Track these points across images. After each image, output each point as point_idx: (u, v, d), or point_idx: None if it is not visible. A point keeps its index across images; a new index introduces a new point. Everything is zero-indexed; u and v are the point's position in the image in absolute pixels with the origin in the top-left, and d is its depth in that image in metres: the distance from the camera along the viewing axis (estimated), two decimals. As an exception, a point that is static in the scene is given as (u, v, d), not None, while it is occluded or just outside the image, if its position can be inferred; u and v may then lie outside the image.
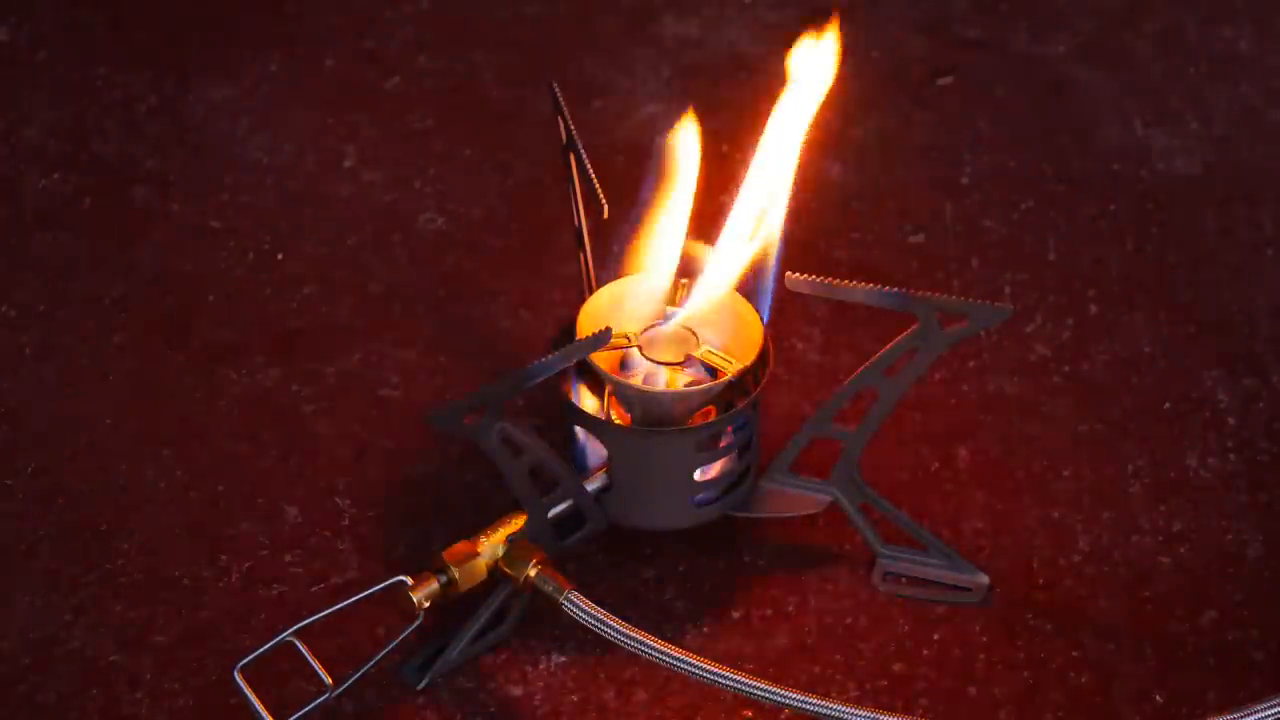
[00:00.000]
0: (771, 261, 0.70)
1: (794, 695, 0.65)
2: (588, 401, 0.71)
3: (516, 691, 0.68)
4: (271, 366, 0.79)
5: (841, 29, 0.82)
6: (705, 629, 0.70)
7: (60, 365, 0.79)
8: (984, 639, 0.70)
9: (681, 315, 0.70)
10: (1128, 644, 0.70)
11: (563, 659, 0.69)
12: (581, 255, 0.73)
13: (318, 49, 0.93)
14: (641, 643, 0.65)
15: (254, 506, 0.74)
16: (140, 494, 0.74)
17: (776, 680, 0.65)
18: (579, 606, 0.66)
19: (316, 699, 0.66)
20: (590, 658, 0.69)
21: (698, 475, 0.69)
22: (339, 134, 0.89)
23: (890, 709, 0.66)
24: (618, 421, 0.70)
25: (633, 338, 0.70)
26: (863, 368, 0.69)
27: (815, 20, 0.72)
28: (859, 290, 0.67)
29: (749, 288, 0.71)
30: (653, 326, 0.70)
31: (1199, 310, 0.81)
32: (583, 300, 0.71)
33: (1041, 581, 0.71)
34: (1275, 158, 0.89)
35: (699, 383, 0.69)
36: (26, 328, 0.80)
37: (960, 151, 0.89)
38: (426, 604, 0.67)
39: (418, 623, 0.67)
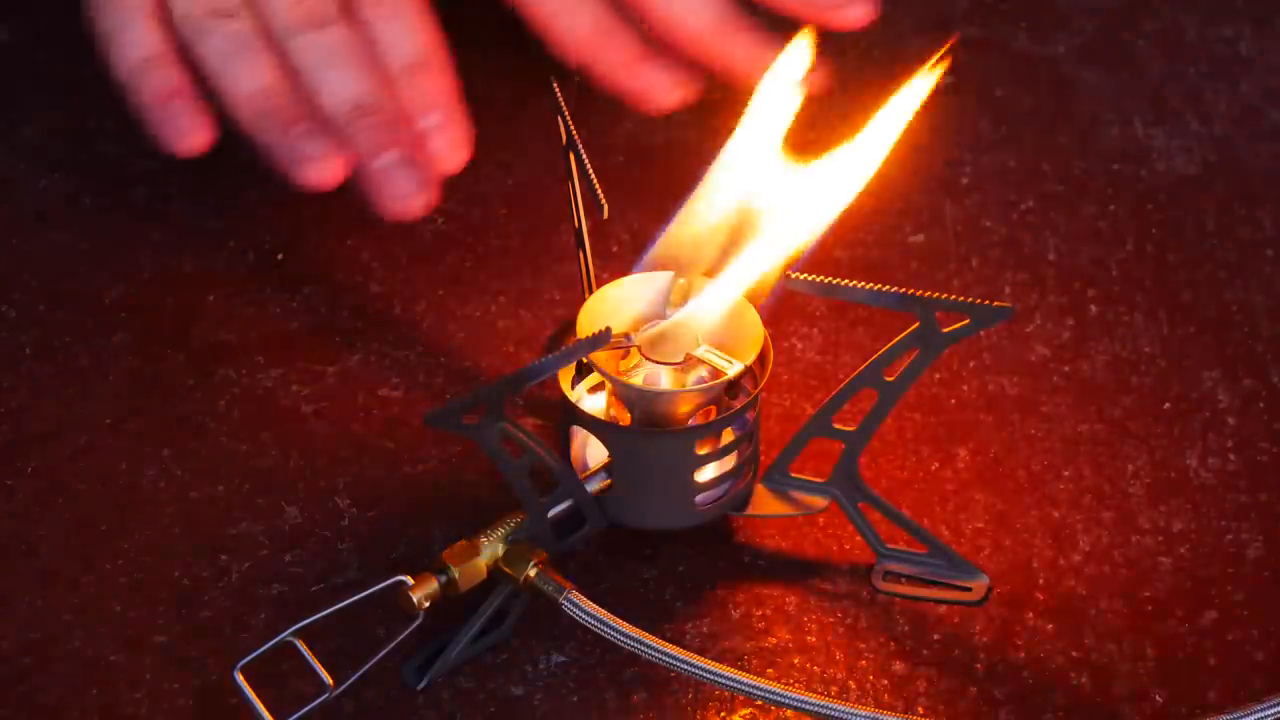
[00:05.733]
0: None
1: (794, 695, 0.65)
2: (588, 401, 0.71)
3: (517, 691, 0.68)
4: (271, 366, 0.79)
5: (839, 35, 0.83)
6: (705, 629, 0.70)
7: (60, 365, 0.79)
8: (984, 639, 0.70)
9: (683, 314, 0.70)
10: (1128, 644, 0.70)
11: (563, 659, 0.69)
12: (581, 255, 0.73)
13: (318, 49, 0.93)
14: (641, 643, 0.65)
15: (254, 506, 0.74)
16: (140, 494, 0.74)
17: (776, 680, 0.65)
18: (579, 606, 0.66)
19: (316, 699, 0.66)
20: (590, 658, 0.69)
21: (698, 475, 0.69)
22: (339, 134, 0.89)
23: (890, 709, 0.66)
24: (618, 421, 0.70)
25: (633, 337, 0.70)
26: (863, 368, 0.69)
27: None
28: (859, 290, 0.67)
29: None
30: (652, 326, 0.70)
31: (1199, 310, 0.81)
32: (583, 300, 0.71)
33: (1041, 581, 0.72)
34: (1275, 158, 0.89)
35: (699, 383, 0.69)
36: (26, 328, 0.80)
37: (960, 151, 0.89)
38: (426, 604, 0.67)
39: (418, 623, 0.67)
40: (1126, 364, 0.79)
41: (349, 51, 0.79)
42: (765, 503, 0.72)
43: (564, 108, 0.72)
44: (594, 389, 0.72)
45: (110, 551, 0.72)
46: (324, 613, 0.67)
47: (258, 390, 0.78)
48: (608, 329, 0.66)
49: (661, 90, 0.83)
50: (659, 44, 0.83)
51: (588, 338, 0.66)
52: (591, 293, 0.71)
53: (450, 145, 0.78)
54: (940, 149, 0.89)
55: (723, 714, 0.68)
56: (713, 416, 0.70)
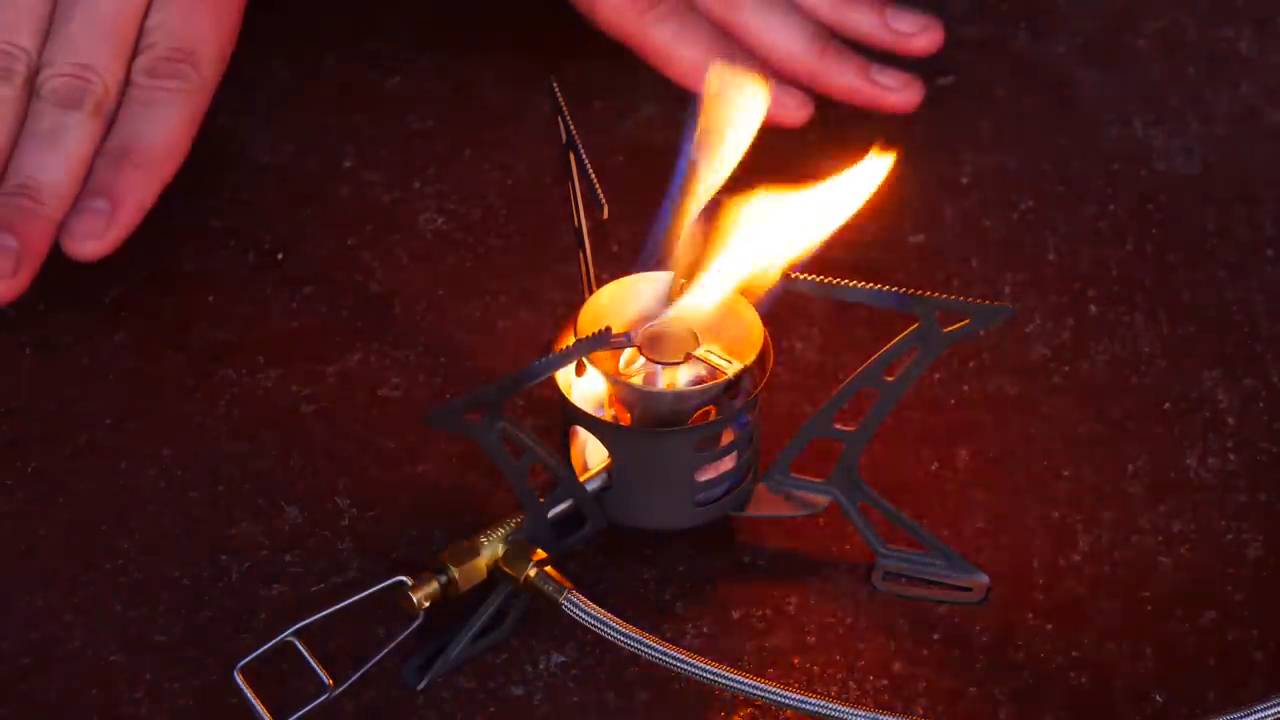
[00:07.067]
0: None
1: (794, 695, 0.65)
2: (588, 402, 0.71)
3: (516, 691, 0.68)
4: (271, 366, 0.79)
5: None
6: (705, 629, 0.70)
7: (60, 365, 0.79)
8: (984, 639, 0.70)
9: (674, 312, 0.70)
10: (1128, 644, 0.70)
11: (563, 659, 0.69)
12: (581, 255, 0.73)
13: (318, 49, 0.93)
14: (641, 643, 0.65)
15: (254, 506, 0.74)
16: (140, 494, 0.74)
17: (776, 680, 0.65)
18: (579, 606, 0.66)
19: (316, 699, 0.66)
20: (590, 658, 0.69)
21: (698, 475, 0.69)
22: (339, 134, 0.89)
23: (890, 709, 0.66)
24: (618, 421, 0.70)
25: (633, 337, 0.70)
26: (863, 368, 0.69)
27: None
28: (859, 290, 0.67)
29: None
30: (653, 326, 0.70)
31: (1199, 310, 0.81)
32: (583, 300, 0.71)
33: (1041, 581, 0.71)
34: (1275, 158, 0.89)
35: (699, 383, 0.69)
36: (26, 328, 0.80)
37: (960, 151, 0.89)
38: (426, 604, 0.67)
39: (418, 623, 0.67)
40: (1126, 364, 0.79)
41: (66, 134, 0.81)
42: (765, 503, 0.72)
43: (564, 108, 0.72)
44: (593, 388, 0.72)
45: (110, 551, 0.72)
46: (324, 613, 0.67)
47: (258, 390, 0.78)
48: (608, 329, 0.66)
49: (790, 109, 0.87)
50: (765, 68, 0.88)
51: (588, 338, 0.66)
52: (591, 293, 0.71)
53: (86, 232, 0.79)
54: (940, 149, 0.89)
55: (723, 714, 0.68)
56: (713, 416, 0.70)
